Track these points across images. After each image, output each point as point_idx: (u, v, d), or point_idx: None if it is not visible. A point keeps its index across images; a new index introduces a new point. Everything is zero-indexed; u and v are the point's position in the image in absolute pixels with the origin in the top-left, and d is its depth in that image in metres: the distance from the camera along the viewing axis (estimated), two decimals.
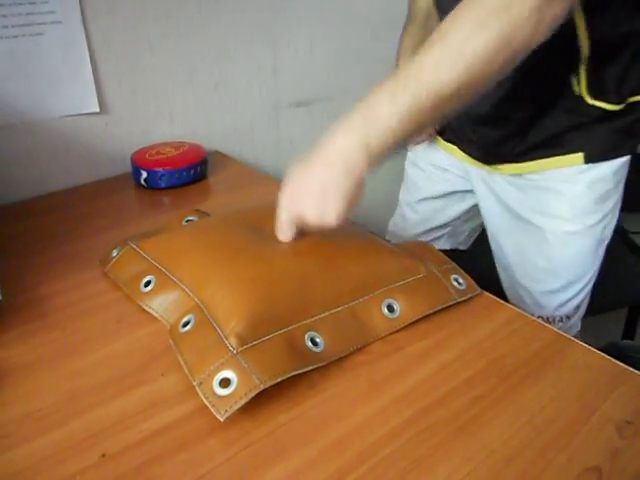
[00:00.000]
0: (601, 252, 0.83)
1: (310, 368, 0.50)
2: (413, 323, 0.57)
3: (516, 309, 0.61)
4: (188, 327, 0.53)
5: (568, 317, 0.87)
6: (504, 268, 0.92)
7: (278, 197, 0.60)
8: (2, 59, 0.80)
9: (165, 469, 0.42)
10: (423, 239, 1.03)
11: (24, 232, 0.76)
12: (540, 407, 0.48)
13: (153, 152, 0.91)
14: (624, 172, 0.79)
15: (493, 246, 0.94)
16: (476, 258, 1.03)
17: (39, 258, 0.69)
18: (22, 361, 0.52)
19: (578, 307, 0.87)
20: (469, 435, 0.45)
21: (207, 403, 0.45)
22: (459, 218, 1.02)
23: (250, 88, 1.10)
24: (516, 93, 0.75)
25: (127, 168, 0.93)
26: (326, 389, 0.49)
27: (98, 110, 0.91)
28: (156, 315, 0.57)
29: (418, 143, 0.91)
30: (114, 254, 0.65)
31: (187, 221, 0.72)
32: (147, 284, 0.59)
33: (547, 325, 0.58)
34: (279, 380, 0.47)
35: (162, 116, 1.00)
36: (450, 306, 0.60)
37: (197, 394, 0.46)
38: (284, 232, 0.61)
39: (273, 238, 0.62)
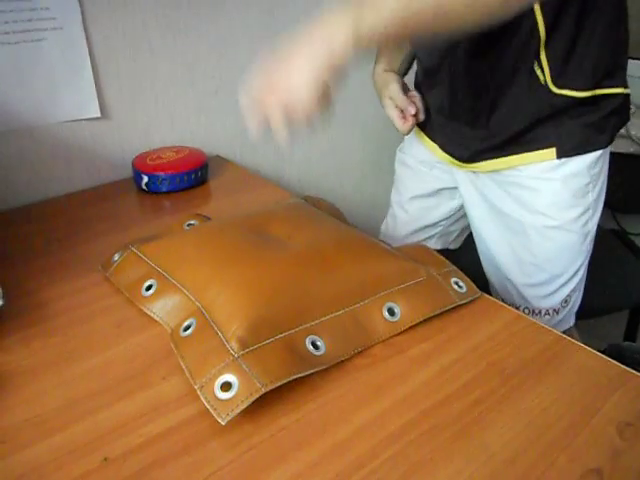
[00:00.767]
0: (586, 246, 0.84)
1: (311, 371, 0.50)
2: (414, 326, 0.57)
3: (515, 311, 0.61)
4: (189, 331, 0.53)
5: (555, 311, 0.88)
6: (489, 262, 0.93)
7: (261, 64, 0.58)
8: (3, 65, 0.80)
9: (167, 473, 0.42)
10: (414, 239, 1.04)
11: (25, 237, 0.76)
12: (541, 409, 0.48)
13: (154, 157, 0.92)
14: (601, 166, 0.80)
15: (477, 241, 0.95)
16: (463, 254, 1.04)
17: (40, 263, 0.69)
18: (23, 366, 0.52)
19: (566, 301, 0.87)
20: (470, 437, 0.45)
21: (208, 407, 0.45)
22: (449, 217, 1.03)
23: None
24: (482, 84, 0.77)
25: (128, 173, 0.93)
26: (327, 392, 0.50)
27: (99, 115, 0.91)
28: (157, 319, 0.57)
29: (407, 133, 0.91)
30: (115, 258, 0.66)
31: (188, 225, 0.73)
32: (148, 288, 0.60)
33: (548, 328, 0.58)
34: (280, 384, 0.47)
35: (163, 121, 1.00)
36: (450, 309, 0.60)
37: (198, 398, 0.46)
38: (251, 117, 0.59)
39: (274, 242, 0.63)
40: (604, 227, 1.25)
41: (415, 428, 0.46)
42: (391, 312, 0.57)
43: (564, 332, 0.60)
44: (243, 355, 0.48)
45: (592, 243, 0.85)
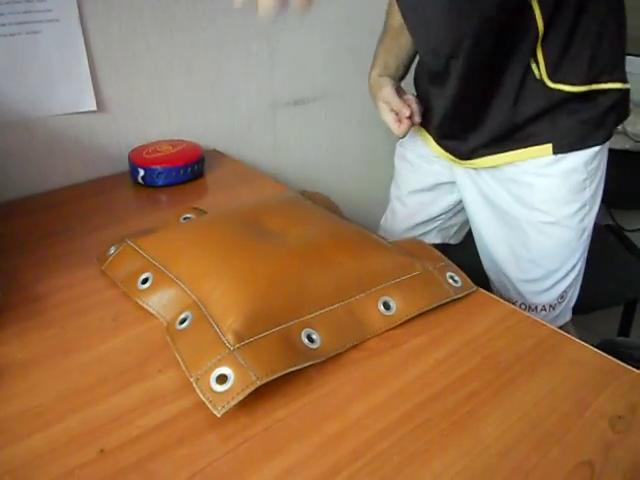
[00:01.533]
0: (583, 242, 0.84)
1: (306, 364, 0.50)
2: (409, 320, 0.57)
3: (510, 306, 0.61)
4: (185, 324, 0.53)
5: (552, 306, 0.88)
6: (487, 258, 0.93)
7: None
8: None
9: (163, 464, 0.42)
10: (413, 233, 1.04)
11: (21, 230, 0.76)
12: (534, 402, 0.48)
13: (150, 150, 0.92)
14: (599, 162, 0.80)
15: (476, 236, 0.95)
16: (464, 250, 1.05)
17: (36, 256, 0.69)
18: (20, 358, 0.53)
19: (562, 297, 0.88)
20: (464, 430, 0.45)
21: (204, 399, 0.46)
22: (448, 212, 1.03)
23: (247, 86, 1.10)
24: (480, 82, 0.77)
25: (124, 166, 0.93)
26: (322, 385, 0.50)
27: (95, 108, 0.91)
28: (153, 312, 0.58)
29: (403, 136, 0.91)
30: (111, 252, 0.66)
31: (184, 219, 0.73)
32: (144, 281, 0.60)
33: (542, 322, 0.59)
34: (276, 376, 0.47)
35: (159, 114, 1.00)
36: (446, 303, 0.60)
37: (194, 390, 0.47)
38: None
39: (270, 235, 0.63)
40: (599, 223, 1.25)
41: (410, 421, 0.46)
42: (386, 306, 0.57)
43: (561, 327, 0.61)
44: (239, 348, 0.48)
45: (589, 239, 0.85)
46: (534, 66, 0.73)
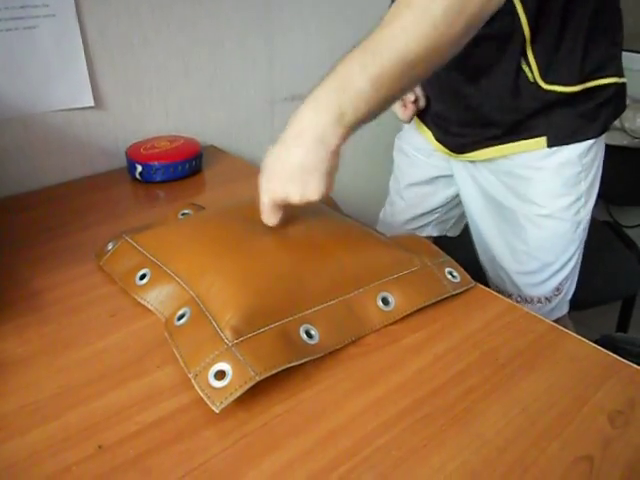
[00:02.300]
0: (579, 235, 0.84)
1: (305, 360, 0.50)
2: (408, 315, 0.57)
3: (509, 301, 0.61)
4: (183, 320, 0.53)
5: (547, 299, 0.88)
6: (484, 251, 0.93)
7: (258, 182, 0.60)
8: None
9: (161, 460, 0.42)
10: (411, 226, 1.04)
11: (18, 226, 0.76)
12: (533, 398, 0.48)
13: (148, 146, 0.91)
14: (594, 155, 0.80)
15: (472, 229, 0.95)
16: (461, 243, 1.05)
17: (34, 252, 0.69)
18: (17, 354, 0.52)
19: (558, 290, 0.88)
20: (463, 425, 0.45)
21: (202, 395, 0.46)
22: (445, 204, 1.03)
23: (245, 82, 1.10)
24: (473, 85, 0.77)
25: (122, 162, 0.93)
26: (321, 381, 0.50)
27: (93, 104, 0.91)
28: (151, 308, 0.57)
29: (409, 121, 0.91)
30: (109, 247, 0.65)
31: (182, 215, 0.73)
32: (142, 277, 0.59)
33: (540, 317, 0.59)
34: (274, 372, 0.47)
35: (157, 110, 0.99)
36: (444, 298, 0.60)
37: (192, 386, 0.46)
38: (269, 216, 0.61)
39: (268, 231, 0.62)
40: (598, 219, 1.25)
41: (409, 416, 0.46)
42: (385, 301, 0.57)
43: (557, 320, 0.60)
44: (237, 344, 0.48)
45: (585, 232, 0.85)
46: (526, 69, 0.73)
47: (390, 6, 0.93)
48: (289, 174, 0.57)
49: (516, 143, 0.79)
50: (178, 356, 0.50)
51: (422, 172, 1.00)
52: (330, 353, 0.52)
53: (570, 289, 0.90)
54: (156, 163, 0.88)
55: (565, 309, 0.92)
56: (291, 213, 0.68)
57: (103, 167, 0.95)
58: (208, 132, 1.07)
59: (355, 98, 0.55)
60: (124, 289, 0.60)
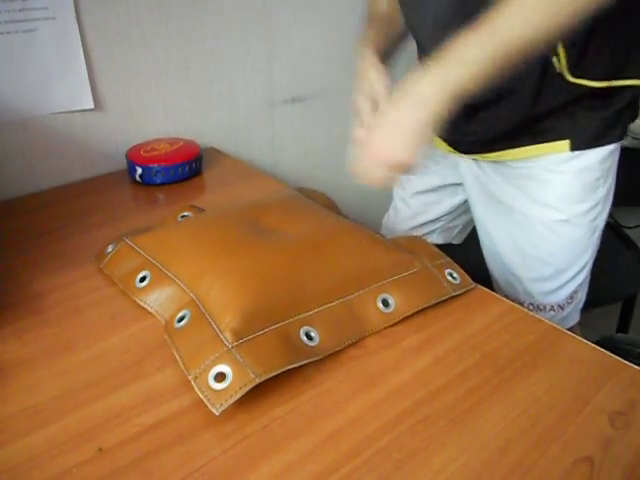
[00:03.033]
0: (593, 241, 0.83)
1: (305, 362, 0.50)
2: (408, 317, 0.57)
3: (510, 302, 0.61)
4: (183, 322, 0.53)
5: (561, 307, 0.87)
6: (493, 257, 0.92)
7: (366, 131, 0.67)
8: None
9: (161, 463, 0.42)
10: (416, 233, 1.04)
11: (19, 229, 0.76)
12: (534, 399, 0.48)
13: (148, 148, 0.91)
14: (613, 161, 0.80)
15: (481, 236, 0.94)
16: (468, 250, 1.04)
17: (34, 255, 0.69)
18: (17, 357, 0.52)
19: (572, 297, 0.87)
20: (463, 427, 0.45)
21: (202, 397, 0.46)
22: (451, 213, 1.02)
23: (245, 84, 1.10)
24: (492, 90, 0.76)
25: (122, 164, 0.93)
26: (321, 383, 0.50)
27: (92, 106, 0.91)
28: (151, 310, 0.57)
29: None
30: (109, 250, 0.65)
31: (182, 217, 0.73)
32: (142, 279, 0.59)
33: (541, 318, 0.59)
34: (274, 374, 0.47)
35: (157, 112, 0.99)
36: (444, 300, 0.60)
37: (192, 388, 0.46)
38: (376, 175, 0.66)
39: (268, 233, 0.63)
40: None
41: (409, 418, 0.46)
42: (385, 303, 0.57)
43: (569, 330, 0.60)
44: (237, 346, 0.48)
45: (599, 239, 0.84)
46: (555, 60, 0.72)
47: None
48: (397, 132, 0.64)
49: (538, 145, 0.78)
50: (178, 358, 0.50)
51: (429, 180, 0.99)
52: (330, 355, 0.52)
53: (582, 298, 0.89)
54: (156, 165, 0.88)
55: (577, 318, 0.91)
56: (291, 212, 0.68)
57: (103, 169, 0.95)
58: (208, 134, 1.07)
59: (466, 77, 0.59)
60: (124, 291, 0.60)
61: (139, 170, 0.88)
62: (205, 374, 0.47)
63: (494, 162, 0.84)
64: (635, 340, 0.78)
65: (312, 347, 0.51)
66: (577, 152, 0.76)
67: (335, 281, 0.57)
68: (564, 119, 0.76)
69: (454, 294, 0.61)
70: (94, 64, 0.89)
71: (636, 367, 0.52)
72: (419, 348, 0.54)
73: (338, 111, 1.29)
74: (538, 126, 0.77)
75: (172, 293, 0.57)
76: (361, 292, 0.57)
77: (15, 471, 0.41)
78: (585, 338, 0.56)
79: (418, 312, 0.58)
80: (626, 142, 1.43)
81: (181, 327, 0.53)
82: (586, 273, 0.86)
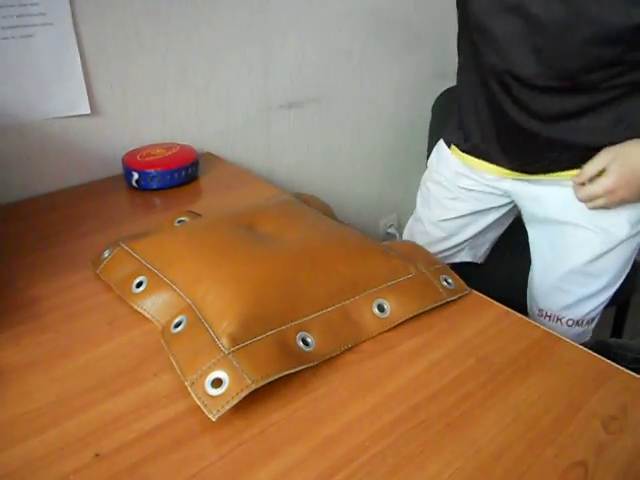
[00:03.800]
0: (634, 255, 0.87)
1: (301, 368, 0.50)
2: (403, 322, 0.58)
3: (504, 307, 0.62)
4: (180, 328, 0.53)
5: (592, 319, 0.91)
6: (541, 272, 0.94)
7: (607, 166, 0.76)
8: None
9: (158, 468, 0.42)
10: (446, 253, 1.05)
11: (15, 234, 0.76)
12: (528, 403, 0.49)
13: (144, 153, 0.91)
14: None
15: (534, 251, 0.96)
16: (493, 269, 1.05)
17: (30, 260, 0.69)
18: (14, 362, 0.52)
19: (599, 312, 0.91)
20: (458, 432, 0.46)
21: (199, 403, 0.46)
22: (482, 231, 1.04)
23: (241, 89, 1.10)
24: (580, 96, 0.76)
25: (118, 170, 0.93)
26: (317, 388, 0.50)
27: (89, 112, 0.91)
28: (148, 316, 0.58)
29: None
30: (106, 255, 0.66)
31: (179, 222, 0.73)
32: (139, 285, 0.60)
33: (534, 323, 0.59)
34: (270, 380, 0.47)
35: (153, 117, 1.00)
36: (440, 305, 0.60)
37: (189, 394, 0.47)
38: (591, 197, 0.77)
39: (265, 238, 0.63)
40: None
41: (405, 423, 0.46)
42: (381, 308, 0.58)
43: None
44: (233, 352, 0.48)
45: None
46: None
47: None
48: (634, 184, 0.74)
49: None
50: (175, 364, 0.50)
51: (467, 206, 1.00)
52: (326, 360, 0.52)
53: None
54: (152, 170, 0.88)
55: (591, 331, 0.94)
56: (287, 218, 0.68)
57: (100, 174, 0.95)
58: (204, 139, 1.08)
59: None
60: (121, 297, 0.61)
61: (135, 175, 0.88)
62: (202, 380, 0.47)
63: (555, 181, 0.85)
64: (629, 345, 0.79)
65: (308, 352, 0.52)
66: None
67: (331, 286, 0.57)
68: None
69: (449, 299, 0.61)
70: (91, 70, 0.89)
71: (629, 372, 0.53)
72: (414, 353, 0.54)
73: (335, 116, 1.29)
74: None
75: (169, 298, 0.57)
76: (357, 297, 0.58)
77: (12, 477, 0.41)
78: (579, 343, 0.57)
79: (413, 317, 0.58)
80: None
81: (178, 333, 0.53)
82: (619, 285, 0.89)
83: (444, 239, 1.04)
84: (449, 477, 0.42)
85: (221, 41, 1.04)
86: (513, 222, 1.07)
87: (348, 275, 0.59)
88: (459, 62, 0.92)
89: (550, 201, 0.88)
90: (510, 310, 0.61)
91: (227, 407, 0.45)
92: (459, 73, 0.93)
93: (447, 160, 0.99)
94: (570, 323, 0.89)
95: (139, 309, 0.58)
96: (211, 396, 0.46)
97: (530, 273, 0.98)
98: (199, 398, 0.46)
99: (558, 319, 0.90)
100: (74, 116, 0.90)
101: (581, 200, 0.81)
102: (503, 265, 1.12)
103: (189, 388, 0.47)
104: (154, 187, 0.89)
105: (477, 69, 0.85)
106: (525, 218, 0.97)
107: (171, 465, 0.42)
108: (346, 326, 0.55)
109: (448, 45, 1.42)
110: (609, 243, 0.83)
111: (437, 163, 1.02)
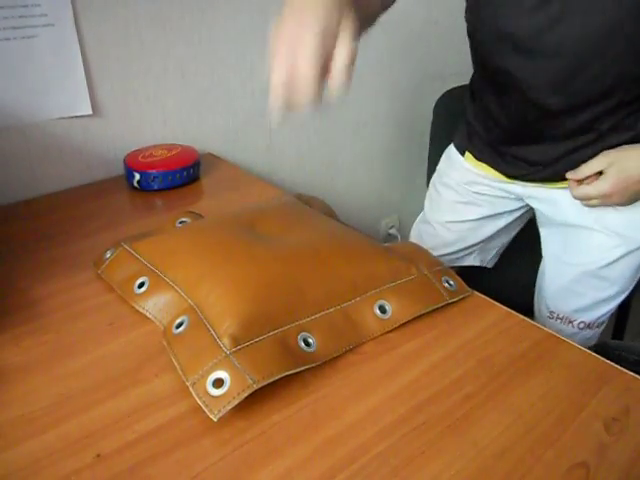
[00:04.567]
0: None
1: (303, 368, 0.50)
2: (405, 323, 0.58)
3: (505, 309, 0.62)
4: (182, 328, 0.53)
5: (602, 323, 0.91)
6: (553, 273, 0.93)
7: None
8: None
9: (159, 469, 0.42)
10: (455, 256, 1.05)
11: (17, 234, 0.76)
12: (529, 405, 0.49)
13: (146, 154, 0.92)
14: None
15: (547, 255, 0.96)
16: (499, 270, 1.05)
17: (32, 260, 0.69)
18: (16, 363, 0.53)
19: (610, 316, 0.91)
20: (460, 433, 0.46)
21: (200, 403, 0.46)
22: (492, 236, 1.04)
23: (243, 90, 1.10)
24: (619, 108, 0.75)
25: (120, 170, 0.93)
26: (319, 389, 0.50)
27: (91, 112, 0.91)
28: (150, 316, 0.58)
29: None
30: (107, 256, 0.66)
31: (180, 223, 0.73)
32: (141, 285, 0.60)
33: (536, 324, 0.59)
34: (272, 380, 0.47)
35: (155, 118, 1.00)
36: (441, 306, 0.60)
37: (191, 394, 0.47)
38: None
39: (266, 239, 0.63)
40: None
41: (406, 424, 0.46)
42: (382, 310, 0.58)
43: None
44: (235, 352, 0.48)
45: None
46: None
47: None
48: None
49: None
50: (176, 364, 0.50)
51: (479, 210, 1.00)
52: (328, 361, 0.53)
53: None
54: (154, 171, 0.88)
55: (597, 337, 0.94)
56: (289, 219, 0.68)
57: (101, 175, 0.96)
58: (206, 139, 1.08)
59: None
60: (122, 297, 0.61)
61: (137, 176, 0.88)
62: (203, 380, 0.47)
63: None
64: (630, 346, 0.79)
65: (310, 353, 0.52)
66: None
67: (333, 287, 0.57)
68: None
69: (451, 301, 0.61)
70: (92, 70, 0.90)
71: (631, 373, 0.53)
72: (416, 354, 0.54)
73: (335, 117, 1.29)
74: None
75: (170, 299, 0.57)
76: (358, 299, 0.58)
77: (13, 478, 0.41)
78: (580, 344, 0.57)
79: (415, 318, 0.58)
80: None
81: (179, 333, 0.53)
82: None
83: (454, 242, 1.04)
84: (450, 478, 0.42)
85: (222, 42, 1.04)
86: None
87: (350, 276, 0.59)
88: (473, 71, 0.92)
89: (565, 204, 0.88)
90: (511, 311, 0.61)
91: (228, 407, 0.45)
92: (472, 82, 0.93)
93: (459, 165, 0.99)
94: (581, 326, 0.89)
95: (141, 309, 0.58)
96: (212, 396, 0.46)
97: (539, 275, 0.97)
98: (200, 398, 0.46)
99: (570, 321, 0.90)
100: (76, 117, 0.90)
101: (575, 198, 0.81)
102: (509, 266, 1.12)
103: (190, 388, 0.47)
104: (155, 188, 0.89)
105: (491, 85, 0.85)
106: (539, 220, 0.97)
107: (172, 465, 0.42)
108: (347, 327, 0.55)
109: (449, 46, 1.42)
110: (624, 248, 0.83)
111: (448, 168, 1.02)
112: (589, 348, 0.56)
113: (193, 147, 0.97)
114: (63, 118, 0.89)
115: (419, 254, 0.67)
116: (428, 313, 0.59)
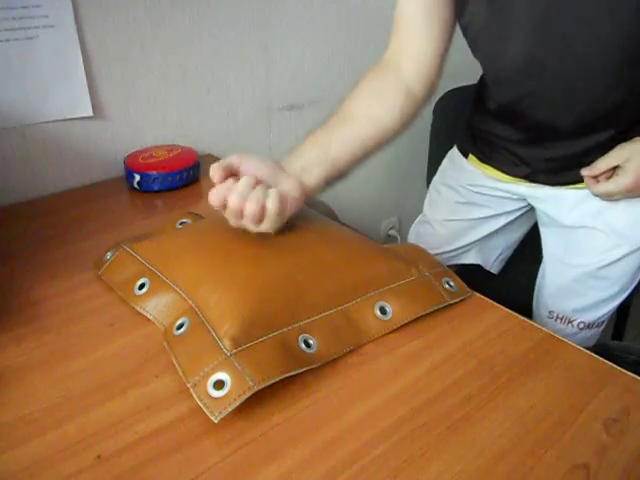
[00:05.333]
0: None
1: (303, 370, 0.50)
2: (405, 325, 0.58)
3: (506, 310, 0.62)
4: (182, 330, 0.53)
5: (602, 323, 0.91)
6: (553, 273, 0.93)
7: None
8: None
9: (160, 470, 0.42)
10: (453, 254, 1.05)
11: (17, 236, 0.76)
12: (529, 406, 0.49)
13: (146, 155, 0.92)
14: None
15: (547, 251, 0.96)
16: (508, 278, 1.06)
17: (32, 261, 0.69)
18: (16, 364, 0.52)
19: (610, 316, 0.91)
20: (460, 434, 0.46)
21: (201, 405, 0.46)
22: (489, 235, 1.03)
23: (243, 91, 1.11)
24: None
25: (120, 171, 0.93)
26: (319, 390, 0.50)
27: (91, 114, 0.91)
28: (150, 317, 0.58)
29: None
30: (108, 257, 0.66)
31: (181, 224, 0.73)
32: (141, 287, 0.60)
33: (536, 325, 0.59)
34: (272, 382, 0.47)
35: (155, 119, 1.00)
36: (442, 308, 0.60)
37: (191, 396, 0.47)
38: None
39: (266, 241, 0.63)
40: None
41: (406, 425, 0.46)
42: (383, 311, 0.58)
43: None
44: (236, 353, 0.48)
45: None
46: None
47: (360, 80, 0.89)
48: None
49: None
50: (177, 366, 0.50)
51: (479, 211, 1.00)
52: (328, 362, 0.53)
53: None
54: (154, 172, 0.88)
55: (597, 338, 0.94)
56: (289, 220, 0.68)
57: (101, 176, 0.96)
58: (205, 141, 1.08)
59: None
60: (123, 298, 0.61)
61: (137, 177, 0.88)
62: (204, 381, 0.47)
63: (577, 189, 0.86)
64: (630, 347, 0.79)
65: (310, 355, 0.52)
66: None
67: (333, 289, 0.58)
68: None
69: (451, 302, 0.61)
70: (93, 72, 0.90)
71: (631, 374, 0.53)
72: (416, 355, 0.54)
73: None
74: None
75: (171, 300, 0.57)
76: (359, 300, 0.58)
77: (13, 479, 0.41)
78: (580, 345, 0.57)
79: (415, 319, 0.58)
80: None
81: (180, 334, 0.53)
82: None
83: (452, 239, 1.04)
84: (450, 479, 0.42)
85: (222, 43, 1.04)
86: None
87: (350, 277, 0.59)
88: (481, 75, 0.92)
89: (567, 203, 0.88)
90: (512, 312, 0.61)
91: (229, 409, 0.45)
92: (479, 89, 0.93)
93: (462, 167, 0.99)
94: (581, 326, 0.89)
95: (141, 311, 0.58)
96: (213, 398, 0.46)
97: (540, 275, 0.97)
98: (201, 400, 0.46)
99: (569, 321, 0.90)
100: (76, 118, 0.90)
101: (596, 195, 0.80)
102: (509, 267, 1.12)
103: (191, 390, 0.47)
104: (156, 189, 0.89)
105: (501, 113, 0.86)
106: (540, 220, 0.97)
107: (173, 467, 0.42)
108: (348, 328, 0.55)
109: (449, 47, 1.42)
110: (626, 248, 0.83)
111: (451, 169, 1.02)
112: (589, 349, 0.56)
113: (193, 148, 0.97)
114: (63, 119, 0.89)
115: (419, 255, 0.67)
116: (428, 314, 0.59)
